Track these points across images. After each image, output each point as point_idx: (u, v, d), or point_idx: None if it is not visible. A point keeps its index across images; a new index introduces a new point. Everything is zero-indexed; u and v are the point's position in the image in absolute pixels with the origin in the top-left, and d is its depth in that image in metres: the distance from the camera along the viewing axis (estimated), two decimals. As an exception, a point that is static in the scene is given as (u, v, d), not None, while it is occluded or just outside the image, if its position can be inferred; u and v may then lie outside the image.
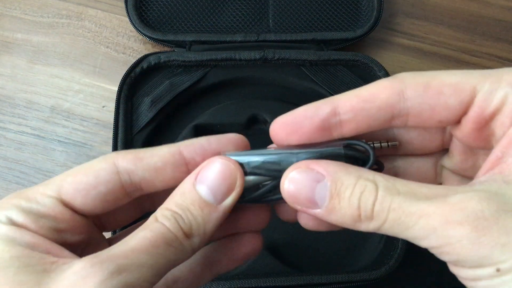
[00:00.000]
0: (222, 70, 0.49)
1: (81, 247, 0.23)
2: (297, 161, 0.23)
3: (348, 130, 0.23)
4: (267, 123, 0.48)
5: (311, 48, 0.50)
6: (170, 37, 0.50)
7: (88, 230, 0.23)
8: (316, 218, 0.23)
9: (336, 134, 0.23)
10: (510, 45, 0.56)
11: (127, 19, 0.51)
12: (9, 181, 0.48)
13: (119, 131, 0.45)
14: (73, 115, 0.50)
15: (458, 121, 0.22)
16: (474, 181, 0.21)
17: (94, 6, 0.55)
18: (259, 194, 0.23)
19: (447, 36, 0.56)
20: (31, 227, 0.21)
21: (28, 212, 0.21)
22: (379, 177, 0.21)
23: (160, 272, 0.20)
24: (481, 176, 0.21)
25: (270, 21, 0.52)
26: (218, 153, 0.24)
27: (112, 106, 0.48)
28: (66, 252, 0.21)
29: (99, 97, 0.51)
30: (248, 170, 0.23)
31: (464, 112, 0.22)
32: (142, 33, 0.50)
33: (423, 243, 0.20)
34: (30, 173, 0.48)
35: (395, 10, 0.57)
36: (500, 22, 0.57)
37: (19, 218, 0.21)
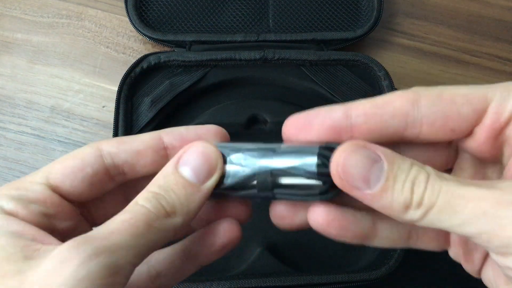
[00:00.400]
0: (222, 70, 0.49)
1: (69, 236, 0.23)
2: (276, 155, 0.23)
3: (359, 134, 0.23)
4: (267, 123, 0.48)
5: (311, 48, 0.50)
6: (170, 37, 0.50)
7: (76, 218, 0.24)
8: (342, 224, 0.23)
9: (345, 137, 0.23)
10: (510, 45, 0.56)
11: (127, 19, 0.51)
12: (9, 181, 0.48)
13: (119, 131, 0.45)
14: (73, 115, 0.50)
15: (470, 132, 0.23)
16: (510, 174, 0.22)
17: (94, 6, 0.55)
18: (237, 183, 0.23)
19: (447, 36, 0.56)
20: (21, 214, 0.21)
21: (17, 199, 0.21)
22: (428, 166, 0.21)
23: (141, 252, 0.20)
24: None
25: (270, 21, 0.52)
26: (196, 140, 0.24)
27: (112, 106, 0.48)
28: (51, 239, 0.21)
29: (99, 97, 0.51)
30: (227, 158, 0.23)
31: (477, 121, 0.22)
32: (142, 33, 0.50)
33: (469, 229, 0.20)
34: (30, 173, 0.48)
35: (395, 10, 0.57)
36: (500, 22, 0.57)
37: (9, 205, 0.21)
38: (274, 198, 0.24)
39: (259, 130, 0.48)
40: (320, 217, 0.23)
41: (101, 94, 0.51)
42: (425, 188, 0.20)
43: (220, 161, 0.23)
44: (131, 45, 0.53)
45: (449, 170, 0.26)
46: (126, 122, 0.46)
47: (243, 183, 0.23)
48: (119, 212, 0.21)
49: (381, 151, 0.21)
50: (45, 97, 0.51)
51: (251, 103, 0.48)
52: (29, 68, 0.52)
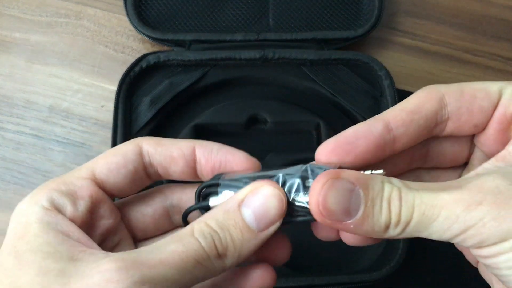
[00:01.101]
0: (222, 70, 0.49)
1: (108, 237, 0.24)
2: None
3: (400, 145, 0.23)
4: (267, 123, 0.48)
5: (311, 47, 0.50)
6: (170, 36, 0.49)
7: (116, 217, 0.25)
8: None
9: (388, 151, 0.23)
10: (511, 44, 0.56)
11: (126, 18, 0.51)
12: (7, 182, 0.48)
13: (118, 131, 0.45)
14: (72, 115, 0.50)
15: (485, 126, 0.23)
16: (479, 171, 0.22)
17: (93, 5, 0.54)
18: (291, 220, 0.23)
19: (449, 35, 0.56)
20: (69, 210, 0.22)
21: (66, 194, 0.22)
22: (392, 179, 0.21)
23: (186, 286, 0.20)
24: (485, 164, 0.22)
25: (270, 20, 0.52)
26: (219, 163, 0.24)
27: (111, 105, 0.48)
28: (94, 244, 0.22)
29: (98, 97, 0.51)
30: None
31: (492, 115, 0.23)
32: (141, 32, 0.50)
33: (446, 235, 0.20)
34: (29, 173, 0.48)
35: (396, 9, 0.57)
36: (502, 21, 0.57)
37: (59, 200, 0.22)
38: (296, 217, 0.23)
39: (259, 130, 0.48)
40: (352, 237, 0.25)
41: (100, 94, 0.51)
42: (400, 205, 0.20)
43: (285, 209, 0.22)
44: (130, 45, 0.53)
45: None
46: (125, 122, 0.45)
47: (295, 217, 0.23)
48: (170, 235, 0.21)
49: (354, 178, 0.21)
50: (43, 97, 0.51)
51: (251, 103, 0.48)
52: (28, 68, 0.51)
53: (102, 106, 0.51)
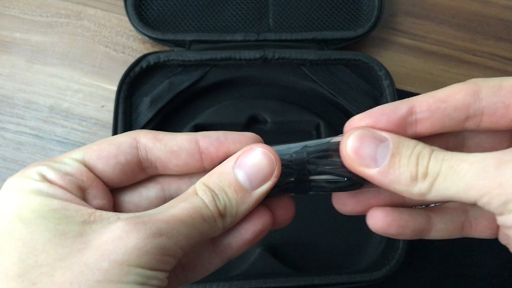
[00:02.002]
0: (222, 70, 0.49)
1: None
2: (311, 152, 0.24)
3: (422, 128, 0.24)
4: (267, 123, 0.48)
5: (311, 47, 0.50)
6: (170, 36, 0.49)
7: (108, 200, 0.24)
8: (401, 224, 0.24)
9: (410, 132, 0.24)
10: (511, 44, 0.56)
11: (126, 18, 0.51)
12: (7, 181, 0.48)
13: (118, 131, 0.45)
14: (72, 115, 0.50)
15: None
16: None
17: (93, 6, 0.54)
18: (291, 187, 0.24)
19: (448, 35, 0.56)
20: (60, 184, 0.22)
21: (56, 169, 0.22)
22: (435, 147, 0.22)
23: (192, 242, 0.21)
24: None
25: (270, 20, 0.52)
26: (234, 145, 0.25)
27: (111, 105, 0.48)
28: (98, 210, 0.22)
29: (98, 97, 0.51)
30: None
31: None
32: (141, 32, 0.50)
33: (473, 193, 0.20)
34: (29, 173, 0.48)
35: (396, 10, 0.57)
36: (502, 21, 0.57)
37: (50, 175, 0.22)
38: (310, 189, 0.25)
39: (259, 130, 0.48)
40: (380, 220, 0.25)
41: (100, 94, 0.51)
42: (429, 159, 0.21)
43: (278, 168, 0.23)
44: (130, 45, 0.53)
45: None
46: (125, 122, 0.45)
47: (283, 174, 0.24)
48: (177, 197, 0.22)
49: (387, 133, 0.23)
50: (44, 97, 0.51)
51: (251, 103, 0.48)
52: (28, 68, 0.52)
53: (103, 106, 0.51)
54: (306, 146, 0.24)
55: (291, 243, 0.46)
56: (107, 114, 0.50)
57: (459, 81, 0.60)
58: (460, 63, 0.55)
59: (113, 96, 0.46)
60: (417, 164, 0.22)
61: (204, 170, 0.25)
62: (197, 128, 0.47)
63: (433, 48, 0.56)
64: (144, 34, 0.50)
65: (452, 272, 0.47)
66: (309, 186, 0.24)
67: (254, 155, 0.23)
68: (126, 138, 0.24)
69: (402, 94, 0.52)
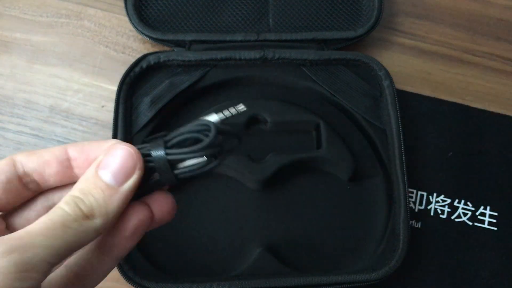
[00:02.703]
0: (222, 70, 0.49)
1: None
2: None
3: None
4: (267, 123, 0.48)
5: (311, 47, 0.50)
6: (170, 36, 0.50)
7: (0, 226, 0.25)
8: None
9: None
10: (511, 45, 0.56)
11: (126, 18, 0.51)
12: (8, 181, 0.48)
13: (119, 131, 0.45)
14: (72, 115, 0.50)
15: None
16: None
17: (93, 6, 0.54)
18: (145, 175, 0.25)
19: (448, 36, 0.56)
20: None
21: None
22: None
23: (59, 252, 0.21)
24: None
25: (270, 20, 0.52)
26: (94, 151, 0.26)
27: (111, 106, 0.48)
28: None
29: (98, 97, 0.51)
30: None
31: None
32: (141, 32, 0.50)
33: None
34: (29, 173, 0.48)
35: (396, 10, 0.57)
36: (502, 22, 0.57)
37: None
38: (177, 180, 0.25)
39: (259, 130, 0.48)
40: None
41: (100, 94, 0.51)
42: None
43: (140, 162, 0.24)
44: (130, 45, 0.53)
45: None
46: (126, 122, 0.45)
47: (147, 171, 0.24)
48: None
49: None
50: (44, 97, 0.51)
51: (251, 103, 0.48)
52: (28, 68, 0.52)
53: (103, 106, 0.51)
54: (165, 135, 0.25)
55: (291, 243, 0.46)
56: (107, 114, 0.50)
57: (458, 81, 0.60)
58: (460, 63, 0.55)
59: (113, 96, 0.46)
60: None
61: (76, 179, 0.26)
62: (197, 128, 0.47)
63: (433, 48, 0.56)
64: (144, 34, 0.50)
65: (452, 272, 0.47)
66: (175, 177, 0.25)
67: (114, 153, 0.24)
68: (3, 160, 0.25)
69: (402, 94, 0.52)
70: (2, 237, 0.21)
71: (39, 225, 0.21)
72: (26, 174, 0.25)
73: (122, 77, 0.46)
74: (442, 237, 0.48)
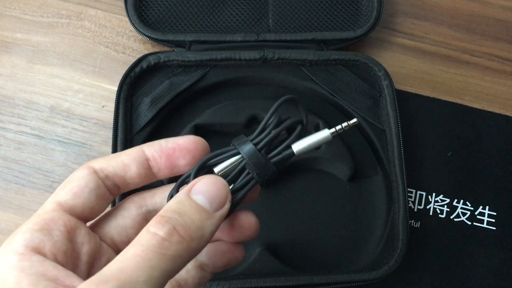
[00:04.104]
0: (222, 70, 0.49)
1: (97, 267, 0.24)
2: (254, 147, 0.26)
3: None
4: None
5: (311, 48, 0.50)
6: (170, 36, 0.50)
7: (96, 241, 0.25)
8: None
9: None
10: (510, 45, 0.56)
11: (126, 19, 0.51)
12: (8, 181, 0.48)
13: (119, 131, 0.45)
14: (73, 115, 0.50)
15: None
16: None
17: (93, 6, 0.54)
18: (241, 197, 0.25)
19: (447, 36, 0.56)
20: (47, 246, 0.22)
21: (40, 230, 0.22)
22: None
23: (159, 282, 0.20)
24: None
25: (270, 21, 0.52)
26: (173, 150, 0.26)
27: (111, 106, 0.48)
28: (73, 278, 0.21)
29: (98, 97, 0.51)
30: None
31: None
32: (141, 33, 0.50)
33: None
34: (30, 173, 0.48)
35: (395, 10, 0.57)
36: (500, 22, 0.57)
37: (34, 240, 0.22)
38: (273, 172, 0.25)
39: (259, 130, 0.48)
40: None
41: (100, 94, 0.51)
42: None
43: (230, 193, 0.24)
44: (130, 45, 0.53)
45: None
46: (126, 122, 0.46)
47: (239, 173, 0.25)
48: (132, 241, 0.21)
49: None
50: (44, 97, 0.51)
51: (251, 103, 0.48)
52: (29, 68, 0.52)
53: (103, 106, 0.51)
54: (248, 140, 0.26)
55: (291, 242, 0.46)
56: (108, 114, 0.50)
57: (458, 81, 0.60)
58: (459, 64, 0.55)
59: (113, 96, 0.46)
60: None
61: (155, 179, 0.27)
62: (197, 128, 0.47)
63: (432, 49, 0.56)
64: (144, 35, 0.50)
65: (451, 271, 0.47)
66: (273, 166, 0.25)
67: (208, 181, 0.24)
68: (83, 169, 0.25)
69: (401, 95, 0.52)
70: (99, 274, 0.20)
71: (134, 259, 0.20)
72: (108, 178, 0.25)
73: (122, 77, 0.46)
74: (441, 237, 0.48)
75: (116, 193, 0.26)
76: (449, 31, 0.57)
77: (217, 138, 0.48)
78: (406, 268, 0.45)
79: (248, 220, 0.27)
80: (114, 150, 0.45)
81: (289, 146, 0.26)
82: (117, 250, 0.26)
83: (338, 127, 0.27)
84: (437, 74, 0.55)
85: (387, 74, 0.48)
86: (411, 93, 0.53)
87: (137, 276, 0.20)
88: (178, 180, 0.26)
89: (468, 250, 0.48)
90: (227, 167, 0.26)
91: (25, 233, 0.22)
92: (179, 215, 0.22)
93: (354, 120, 0.27)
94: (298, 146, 0.26)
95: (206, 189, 0.23)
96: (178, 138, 0.26)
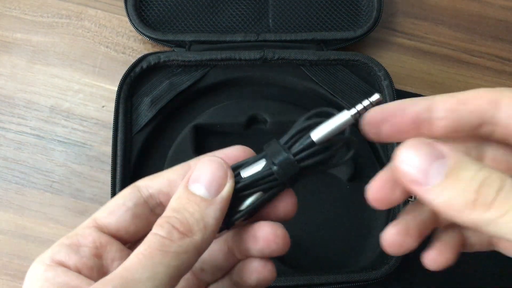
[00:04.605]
0: (222, 70, 0.49)
1: None
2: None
3: (438, 129, 0.23)
4: (267, 123, 0.48)
5: (311, 48, 0.50)
6: (170, 37, 0.50)
7: (126, 255, 0.24)
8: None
9: (425, 130, 0.23)
10: (510, 45, 0.56)
11: (126, 19, 0.51)
12: (8, 181, 0.48)
13: (119, 131, 0.45)
14: (73, 115, 0.50)
15: None
16: None
17: (93, 6, 0.54)
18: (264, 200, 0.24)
19: (447, 36, 0.56)
20: (71, 260, 0.22)
21: (68, 246, 0.23)
22: (509, 177, 0.20)
23: (164, 281, 0.20)
24: None
25: (270, 21, 0.52)
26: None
27: (111, 106, 0.48)
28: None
29: (98, 97, 0.51)
30: (241, 173, 0.24)
31: None
32: (141, 33, 0.50)
33: None
34: (30, 173, 0.48)
35: (395, 10, 0.57)
36: (500, 22, 0.57)
37: (60, 254, 0.22)
38: (300, 173, 0.24)
39: (259, 130, 0.48)
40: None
41: (100, 94, 0.51)
42: (498, 191, 0.19)
43: (230, 170, 0.23)
44: (130, 45, 0.53)
45: None
46: (126, 122, 0.46)
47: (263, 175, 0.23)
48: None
49: (447, 149, 0.20)
50: (44, 97, 0.51)
51: (251, 103, 0.48)
52: (29, 68, 0.52)
53: (103, 106, 0.51)
54: (277, 143, 0.24)
55: (291, 242, 0.46)
56: (108, 114, 0.50)
57: (458, 81, 0.60)
58: (459, 64, 0.55)
59: (113, 96, 0.46)
60: (477, 191, 0.19)
61: None
62: (197, 128, 0.47)
63: (432, 49, 0.56)
64: (145, 35, 0.50)
65: (451, 271, 0.47)
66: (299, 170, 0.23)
67: (201, 166, 0.23)
68: (128, 188, 0.25)
69: (401, 95, 0.52)
70: (105, 277, 0.20)
71: (136, 258, 0.21)
72: (152, 197, 0.25)
73: (122, 77, 0.46)
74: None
75: (161, 211, 0.25)
76: (449, 31, 0.57)
77: (217, 138, 0.48)
78: (406, 268, 0.45)
79: (273, 231, 0.25)
80: (114, 150, 0.45)
81: (308, 137, 0.23)
82: None
83: (359, 106, 0.23)
84: (437, 74, 0.55)
85: (387, 74, 0.48)
86: (411, 93, 0.53)
87: (140, 273, 0.20)
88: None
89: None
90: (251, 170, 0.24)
91: (55, 247, 0.23)
92: (177, 213, 0.22)
93: (376, 96, 0.23)
94: (317, 134, 0.23)
95: (201, 175, 0.23)
96: (226, 149, 0.25)
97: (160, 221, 0.22)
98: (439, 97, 0.23)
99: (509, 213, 0.18)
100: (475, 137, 0.24)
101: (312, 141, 0.23)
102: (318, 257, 0.45)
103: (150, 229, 0.24)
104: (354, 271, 0.43)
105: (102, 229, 0.24)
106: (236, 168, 0.24)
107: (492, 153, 0.25)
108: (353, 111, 0.23)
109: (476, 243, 0.27)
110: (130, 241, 0.25)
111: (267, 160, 0.24)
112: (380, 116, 0.23)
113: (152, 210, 0.25)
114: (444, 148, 0.20)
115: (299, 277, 0.42)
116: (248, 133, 0.48)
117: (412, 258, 0.46)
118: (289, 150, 0.24)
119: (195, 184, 0.23)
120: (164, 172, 0.25)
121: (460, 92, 0.23)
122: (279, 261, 0.44)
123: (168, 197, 0.24)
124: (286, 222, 0.41)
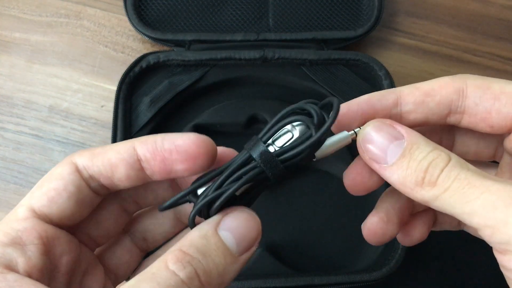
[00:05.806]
0: (222, 70, 0.49)
1: (77, 273, 0.22)
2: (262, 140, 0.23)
3: (408, 122, 0.24)
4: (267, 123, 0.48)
5: (311, 47, 0.50)
6: (169, 36, 0.49)
7: (76, 247, 0.22)
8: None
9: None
10: (511, 44, 0.56)
11: (126, 18, 0.51)
12: (7, 181, 0.48)
13: (118, 131, 0.45)
14: (72, 114, 0.50)
15: (509, 131, 0.23)
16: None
17: (93, 5, 0.54)
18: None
19: (448, 35, 0.56)
20: (20, 262, 0.19)
21: (11, 244, 0.20)
22: (453, 153, 0.21)
23: None
24: None
25: (270, 20, 0.52)
26: (169, 152, 0.22)
27: (111, 105, 0.48)
28: None
29: (98, 97, 0.51)
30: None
31: None
32: (141, 32, 0.50)
33: (477, 220, 0.20)
34: (28, 173, 0.48)
35: (396, 9, 0.57)
36: (501, 21, 0.57)
37: (6, 256, 0.19)
38: (284, 174, 0.22)
39: (259, 130, 0.48)
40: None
41: (100, 94, 0.51)
42: (441, 171, 0.21)
43: (260, 234, 0.22)
44: (130, 44, 0.53)
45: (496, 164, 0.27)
46: (125, 122, 0.45)
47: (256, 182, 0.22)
48: (142, 271, 0.19)
49: (405, 131, 0.22)
50: (43, 97, 0.51)
51: (251, 103, 0.48)
52: (28, 68, 0.51)
53: (102, 106, 0.51)
54: (258, 139, 0.24)
55: (291, 243, 0.46)
56: (107, 114, 0.50)
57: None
58: (460, 63, 0.55)
59: (112, 96, 0.46)
60: (425, 171, 0.21)
61: (150, 180, 0.23)
62: (197, 128, 0.47)
63: (433, 48, 0.56)
64: (144, 34, 0.50)
65: (452, 271, 0.47)
66: (282, 166, 0.23)
67: (239, 216, 0.21)
68: (64, 167, 0.22)
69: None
70: None
71: None
72: (92, 179, 0.22)
73: (121, 77, 0.46)
74: (442, 237, 0.48)
75: (104, 193, 0.23)
76: (450, 30, 0.56)
77: (217, 138, 0.48)
78: (406, 269, 0.45)
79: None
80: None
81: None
82: (95, 245, 0.24)
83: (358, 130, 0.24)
84: (438, 73, 0.54)
85: (387, 74, 0.48)
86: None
87: None
88: (201, 199, 0.21)
89: (469, 250, 0.48)
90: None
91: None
92: (203, 257, 0.19)
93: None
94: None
95: (236, 226, 0.21)
96: (177, 137, 0.22)
97: (181, 256, 0.19)
98: (406, 90, 0.24)
99: (449, 190, 0.20)
100: (445, 125, 0.25)
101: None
102: (318, 258, 0.45)
103: (90, 211, 0.22)
104: (354, 272, 0.42)
105: (43, 219, 0.21)
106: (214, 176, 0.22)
107: (461, 138, 0.26)
108: (352, 133, 0.24)
109: (446, 222, 0.29)
110: (73, 228, 0.23)
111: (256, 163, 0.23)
112: (351, 112, 0.24)
113: (95, 191, 0.23)
114: (402, 129, 0.22)
115: (299, 278, 0.41)
116: (248, 133, 0.48)
117: (412, 259, 0.46)
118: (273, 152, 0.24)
119: (227, 233, 0.21)
120: (105, 151, 0.22)
121: (425, 82, 0.24)
122: (280, 262, 0.44)
123: (110, 181, 0.22)
124: (286, 223, 0.42)
